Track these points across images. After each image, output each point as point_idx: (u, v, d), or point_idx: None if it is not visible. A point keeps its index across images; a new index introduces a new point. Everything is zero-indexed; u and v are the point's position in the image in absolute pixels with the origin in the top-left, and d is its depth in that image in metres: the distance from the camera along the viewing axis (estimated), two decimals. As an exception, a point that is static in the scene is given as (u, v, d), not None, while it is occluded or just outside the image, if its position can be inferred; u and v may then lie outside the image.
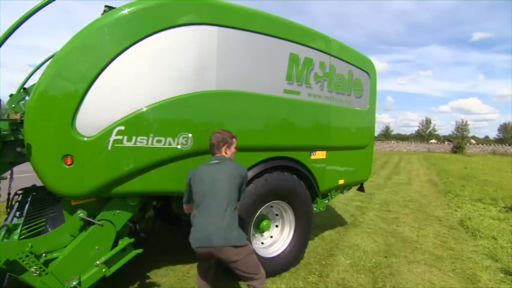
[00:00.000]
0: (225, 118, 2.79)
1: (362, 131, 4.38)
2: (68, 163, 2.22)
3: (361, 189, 4.86)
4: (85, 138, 2.24)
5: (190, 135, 2.59)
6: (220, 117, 2.77)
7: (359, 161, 4.41)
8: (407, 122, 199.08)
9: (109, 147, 2.28)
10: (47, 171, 2.26)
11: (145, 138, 2.39)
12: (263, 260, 3.30)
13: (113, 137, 2.29)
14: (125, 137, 2.32)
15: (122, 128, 2.31)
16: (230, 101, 2.83)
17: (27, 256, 2.17)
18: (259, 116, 3.08)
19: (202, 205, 2.23)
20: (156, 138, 2.44)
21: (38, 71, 4.65)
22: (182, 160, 2.60)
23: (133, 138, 2.35)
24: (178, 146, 2.55)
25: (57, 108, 2.18)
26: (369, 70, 4.33)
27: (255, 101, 3.01)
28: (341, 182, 4.17)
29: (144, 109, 2.38)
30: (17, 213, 2.99)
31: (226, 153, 2.44)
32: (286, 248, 3.53)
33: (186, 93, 2.56)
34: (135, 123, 2.35)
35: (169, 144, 2.50)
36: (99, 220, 2.47)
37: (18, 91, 3.98)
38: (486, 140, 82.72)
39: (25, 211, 2.98)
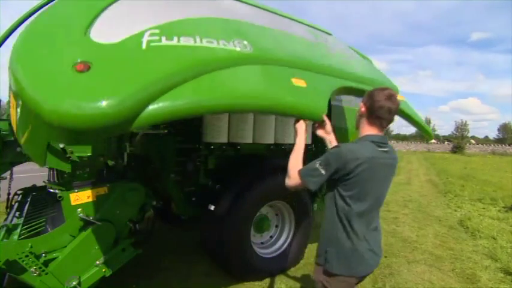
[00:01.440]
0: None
1: None
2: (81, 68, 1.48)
3: None
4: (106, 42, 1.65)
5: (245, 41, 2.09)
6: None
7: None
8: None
9: (143, 46, 1.68)
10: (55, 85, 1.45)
11: (192, 38, 1.87)
12: (263, 260, 3.31)
13: (147, 38, 1.72)
14: (163, 37, 1.77)
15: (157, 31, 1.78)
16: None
17: (27, 256, 2.16)
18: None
19: (367, 217, 1.63)
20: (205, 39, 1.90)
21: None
22: (242, 66, 1.97)
23: (175, 38, 1.80)
24: (237, 48, 2.01)
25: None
26: None
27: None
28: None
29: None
30: (17, 213, 2.99)
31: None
32: (286, 248, 3.53)
33: None
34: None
35: (224, 45, 1.96)
36: (99, 220, 2.47)
37: (18, 91, 3.98)
38: (486, 140, 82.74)
39: (25, 211, 2.98)
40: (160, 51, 1.70)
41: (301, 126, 1.97)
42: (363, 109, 1.68)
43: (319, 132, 2.08)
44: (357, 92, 2.72)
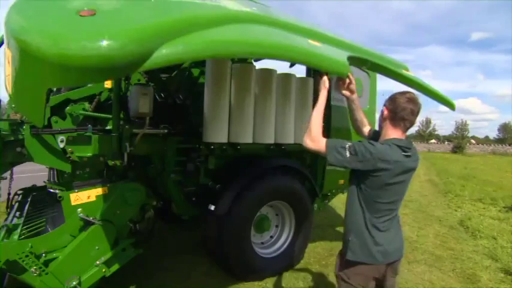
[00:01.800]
0: None
1: None
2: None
3: None
4: None
5: None
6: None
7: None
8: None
9: None
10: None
11: None
12: (263, 260, 3.31)
13: None
14: None
15: None
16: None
17: (27, 256, 2.17)
18: None
19: (391, 212, 1.74)
20: None
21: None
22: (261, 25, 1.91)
23: None
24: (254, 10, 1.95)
25: None
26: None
27: None
28: (341, 182, 4.17)
29: None
30: (17, 213, 2.99)
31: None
32: (286, 248, 3.53)
33: None
34: None
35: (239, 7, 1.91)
36: (99, 220, 2.47)
37: (18, 91, 3.98)
38: (486, 140, 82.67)
39: (25, 211, 2.98)
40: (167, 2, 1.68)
41: (325, 82, 1.97)
42: (386, 112, 1.76)
43: (344, 91, 2.11)
44: (361, 62, 2.60)
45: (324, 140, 1.71)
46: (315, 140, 1.73)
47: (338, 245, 4.30)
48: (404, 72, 2.99)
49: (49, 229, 2.59)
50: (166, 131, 3.03)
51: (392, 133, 1.73)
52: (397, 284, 1.91)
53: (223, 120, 3.17)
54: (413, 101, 1.70)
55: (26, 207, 3.08)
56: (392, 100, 1.74)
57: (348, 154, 1.63)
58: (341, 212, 6.33)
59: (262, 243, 3.56)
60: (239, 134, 3.25)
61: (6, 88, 2.07)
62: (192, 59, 1.54)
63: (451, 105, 3.34)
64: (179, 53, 1.46)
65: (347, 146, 1.65)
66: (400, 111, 1.69)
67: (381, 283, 1.79)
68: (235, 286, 3.15)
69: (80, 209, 2.45)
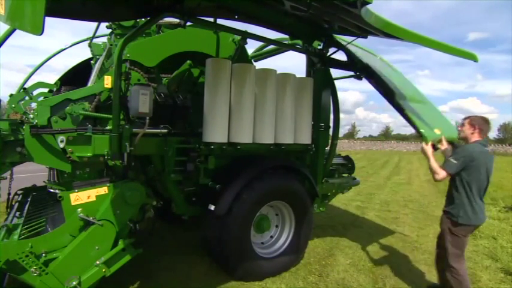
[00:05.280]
0: None
1: None
2: None
3: None
4: None
5: None
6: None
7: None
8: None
9: None
10: None
11: None
12: (263, 260, 3.31)
13: None
14: None
15: None
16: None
17: (27, 256, 2.17)
18: None
19: (481, 192, 2.78)
20: None
21: (38, 71, 4.66)
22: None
23: None
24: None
25: None
26: None
27: None
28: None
29: None
30: (17, 213, 3.00)
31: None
32: (286, 248, 3.53)
33: None
34: None
35: None
36: (99, 220, 2.47)
37: (18, 91, 3.99)
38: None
39: (25, 211, 2.98)
40: None
41: (429, 149, 2.99)
42: (477, 129, 2.83)
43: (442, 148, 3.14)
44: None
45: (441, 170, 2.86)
46: (440, 174, 2.87)
47: (338, 245, 4.32)
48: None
49: (49, 229, 2.59)
50: (166, 131, 3.03)
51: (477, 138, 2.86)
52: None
53: (223, 120, 3.17)
54: (488, 121, 2.88)
55: (26, 207, 3.09)
56: (478, 122, 2.84)
57: (455, 161, 2.82)
58: (341, 212, 6.33)
59: (262, 243, 3.56)
60: (239, 134, 3.25)
61: None
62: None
63: (473, 57, 3.13)
64: None
65: (452, 160, 2.83)
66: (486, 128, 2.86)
67: None
68: (235, 286, 3.15)
69: (80, 209, 2.45)
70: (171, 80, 3.40)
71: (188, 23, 2.99)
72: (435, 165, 2.87)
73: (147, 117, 2.70)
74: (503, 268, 3.80)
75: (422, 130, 3.10)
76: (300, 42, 4.11)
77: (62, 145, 2.65)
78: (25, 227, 2.56)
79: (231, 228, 3.01)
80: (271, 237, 3.62)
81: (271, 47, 4.75)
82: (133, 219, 2.84)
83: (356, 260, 3.90)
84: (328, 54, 3.95)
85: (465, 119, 2.93)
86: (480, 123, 2.82)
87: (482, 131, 2.82)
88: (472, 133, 2.85)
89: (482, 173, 2.73)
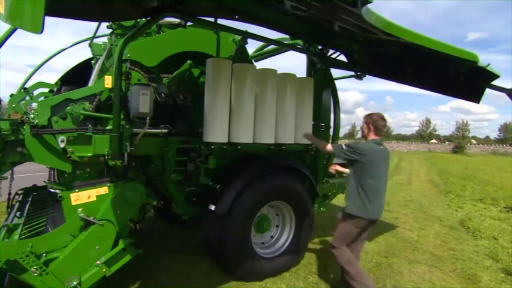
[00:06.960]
0: None
1: None
2: None
3: None
4: None
5: None
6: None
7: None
8: (407, 122, 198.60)
9: None
10: None
11: None
12: (264, 260, 3.30)
13: None
14: None
15: None
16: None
17: (27, 256, 2.17)
18: None
19: (377, 186, 2.83)
20: None
21: (38, 71, 4.66)
22: None
23: None
24: None
25: None
26: None
27: None
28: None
29: None
30: (18, 213, 3.00)
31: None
32: (286, 248, 3.53)
33: None
34: None
35: None
36: (99, 220, 2.47)
37: (19, 91, 3.99)
38: (487, 140, 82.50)
39: (25, 211, 2.98)
40: None
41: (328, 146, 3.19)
42: (371, 126, 2.92)
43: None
44: None
45: (331, 147, 3.13)
46: (327, 149, 3.14)
47: (338, 245, 4.30)
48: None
49: (49, 229, 2.59)
50: (166, 131, 3.03)
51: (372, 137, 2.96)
52: None
53: (224, 120, 3.17)
54: (384, 118, 2.95)
55: (27, 207, 3.09)
56: (371, 118, 2.93)
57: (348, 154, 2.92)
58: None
59: (263, 243, 3.56)
60: (239, 134, 3.25)
61: None
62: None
63: (474, 58, 2.90)
64: None
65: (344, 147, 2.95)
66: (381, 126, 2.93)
67: None
68: (236, 286, 3.15)
69: (80, 209, 2.45)
70: (172, 80, 3.40)
71: (188, 23, 3.00)
72: (321, 141, 3.32)
73: (148, 117, 2.70)
74: (504, 268, 3.79)
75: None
76: (300, 42, 4.11)
77: (62, 145, 2.66)
78: (25, 227, 2.56)
79: (231, 228, 3.01)
80: (272, 237, 3.62)
81: (272, 47, 4.74)
82: (134, 219, 2.85)
83: (356, 260, 3.90)
84: (329, 54, 3.96)
85: (364, 117, 3.01)
86: (374, 121, 2.90)
87: (378, 129, 2.90)
88: (368, 132, 2.95)
89: (374, 169, 2.81)
